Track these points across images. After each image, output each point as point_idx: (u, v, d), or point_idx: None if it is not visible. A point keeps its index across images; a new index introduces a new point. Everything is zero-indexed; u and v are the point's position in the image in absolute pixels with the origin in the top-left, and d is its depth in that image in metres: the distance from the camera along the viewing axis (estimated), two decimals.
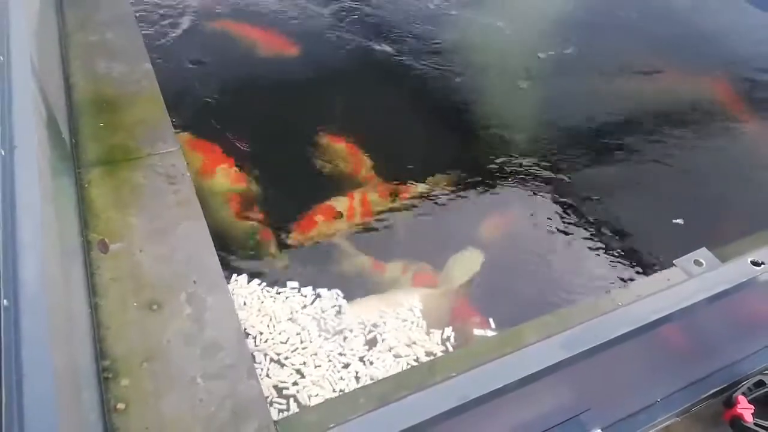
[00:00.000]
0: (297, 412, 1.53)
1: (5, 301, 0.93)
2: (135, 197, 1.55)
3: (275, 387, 1.59)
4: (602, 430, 1.35)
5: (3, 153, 1.18)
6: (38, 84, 1.46)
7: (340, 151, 2.46)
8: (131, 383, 1.16)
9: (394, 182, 2.35)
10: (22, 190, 1.13)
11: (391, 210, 2.24)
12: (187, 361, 1.21)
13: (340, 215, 2.15)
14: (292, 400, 1.56)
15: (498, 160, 2.52)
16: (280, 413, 1.52)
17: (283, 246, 2.06)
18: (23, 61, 1.44)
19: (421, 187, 2.34)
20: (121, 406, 1.13)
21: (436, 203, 2.31)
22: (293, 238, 2.08)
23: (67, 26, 2.13)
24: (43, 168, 1.26)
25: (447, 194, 2.34)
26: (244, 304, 1.80)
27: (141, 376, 1.18)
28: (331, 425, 0.99)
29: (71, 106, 1.80)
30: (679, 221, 2.26)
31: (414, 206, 2.28)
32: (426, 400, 1.01)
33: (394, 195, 2.27)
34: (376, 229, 2.18)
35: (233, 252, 2.01)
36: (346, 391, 1.59)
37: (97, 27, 2.13)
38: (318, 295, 1.86)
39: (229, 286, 1.78)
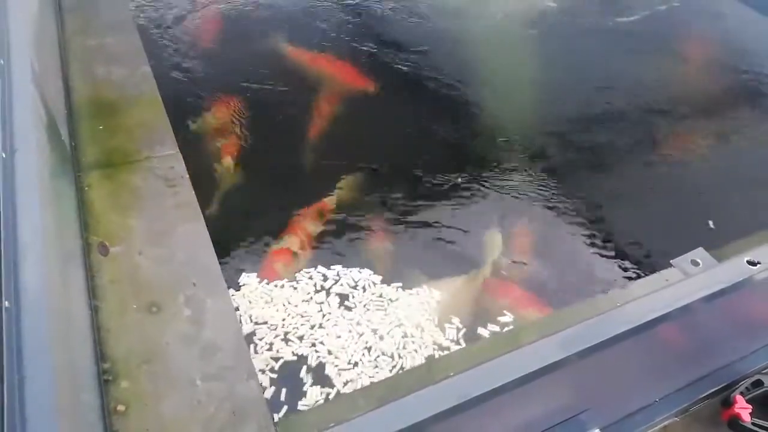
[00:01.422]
0: (296, 413, 1.54)
1: (6, 302, 0.94)
2: (134, 200, 1.55)
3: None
4: (601, 430, 1.35)
5: (3, 156, 1.19)
6: (38, 87, 1.47)
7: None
8: (131, 385, 1.17)
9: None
10: (22, 192, 1.14)
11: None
12: (187, 363, 1.21)
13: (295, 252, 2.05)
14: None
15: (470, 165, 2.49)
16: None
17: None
18: (23, 65, 1.45)
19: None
20: (121, 407, 1.13)
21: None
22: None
23: (66, 30, 2.14)
24: (43, 171, 1.26)
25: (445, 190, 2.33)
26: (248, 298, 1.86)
27: (141, 378, 1.18)
28: (331, 424, 1.00)
29: (71, 109, 1.81)
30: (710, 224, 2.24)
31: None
32: (425, 399, 1.02)
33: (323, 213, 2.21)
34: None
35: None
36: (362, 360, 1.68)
37: (96, 31, 2.14)
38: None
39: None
